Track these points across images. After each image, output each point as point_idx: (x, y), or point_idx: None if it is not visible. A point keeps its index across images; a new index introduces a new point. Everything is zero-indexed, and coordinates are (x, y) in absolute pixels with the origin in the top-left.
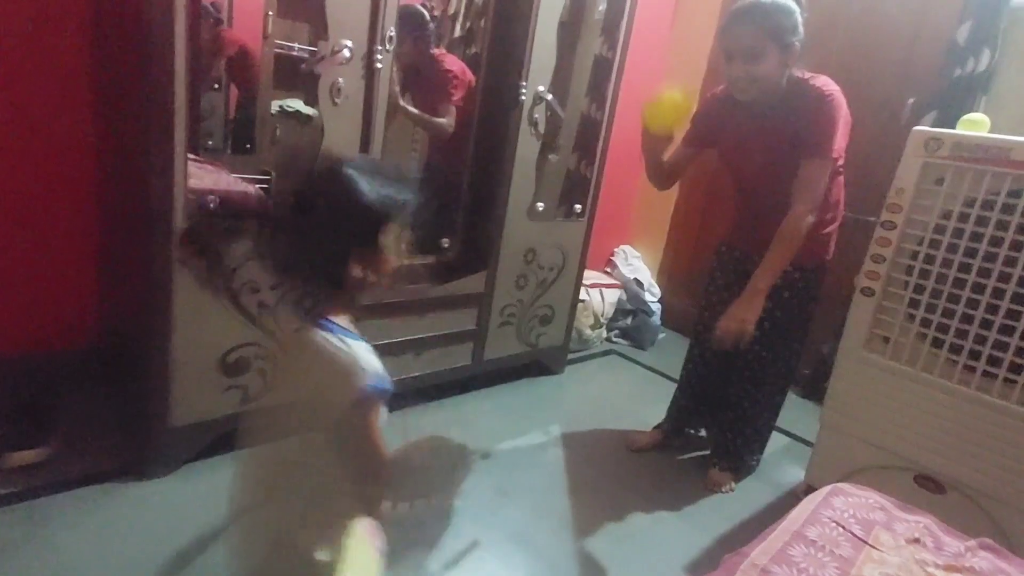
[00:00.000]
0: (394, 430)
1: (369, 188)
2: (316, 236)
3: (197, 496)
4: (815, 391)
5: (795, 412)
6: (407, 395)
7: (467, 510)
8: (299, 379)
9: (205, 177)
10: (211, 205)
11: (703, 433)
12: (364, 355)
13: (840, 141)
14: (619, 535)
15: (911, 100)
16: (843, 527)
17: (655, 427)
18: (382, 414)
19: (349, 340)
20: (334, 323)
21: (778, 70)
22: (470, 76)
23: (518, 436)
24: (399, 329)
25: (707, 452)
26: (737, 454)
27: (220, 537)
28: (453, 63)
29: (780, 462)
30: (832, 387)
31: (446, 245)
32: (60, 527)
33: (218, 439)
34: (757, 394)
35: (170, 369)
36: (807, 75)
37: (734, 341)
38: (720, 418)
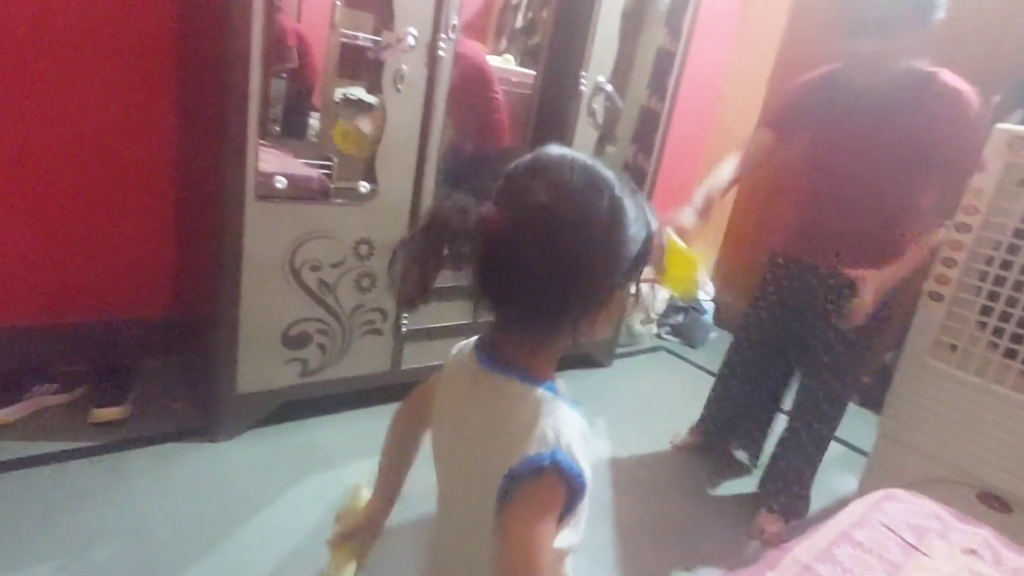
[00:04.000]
0: None
1: (634, 215)
2: (570, 274)
3: (260, 460)
4: (874, 400)
5: (851, 420)
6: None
7: None
8: (483, 428)
9: (273, 161)
10: (279, 186)
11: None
12: (562, 421)
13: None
14: (659, 530)
15: (996, 97)
16: (894, 532)
17: (694, 428)
18: (553, 517)
19: (551, 399)
20: (541, 378)
21: (909, 52)
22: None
23: None
24: (449, 314)
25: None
26: (793, 493)
27: (277, 500)
28: (472, 51)
29: (832, 470)
30: (892, 395)
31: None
32: (137, 480)
33: (279, 408)
34: (819, 427)
35: (237, 340)
36: (930, 68)
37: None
38: (774, 453)
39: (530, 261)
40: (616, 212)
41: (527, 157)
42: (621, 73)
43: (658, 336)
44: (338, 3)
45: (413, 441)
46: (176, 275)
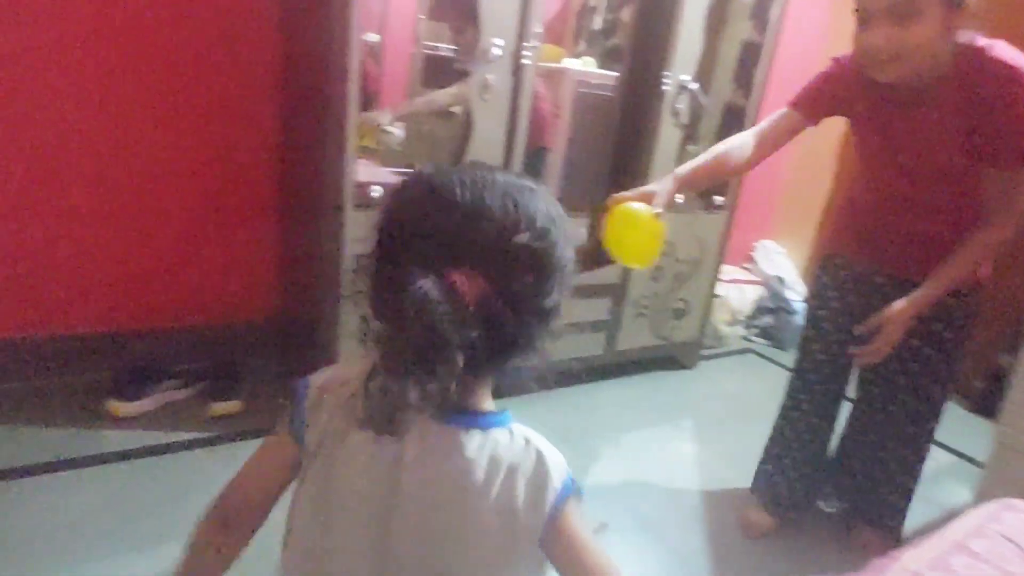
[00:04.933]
0: None
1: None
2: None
3: None
4: (988, 406)
5: (963, 428)
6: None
7: (595, 492)
8: (450, 503)
9: (363, 170)
10: (374, 195)
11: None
12: (543, 445)
13: None
14: (753, 540)
15: None
16: (1015, 543)
17: (765, 508)
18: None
19: (519, 430)
20: (479, 410)
21: (938, 37)
22: None
23: (647, 427)
24: None
25: None
26: (889, 514)
27: None
28: None
29: (944, 481)
30: (1011, 401)
31: (584, 234)
32: None
33: None
34: (906, 454)
35: (337, 340)
36: (981, 42)
37: (878, 350)
38: (855, 481)
39: (532, 301)
40: (556, 211)
41: (451, 209)
42: (704, 69)
43: (745, 339)
44: (421, 16)
45: (232, 556)
46: (279, 281)
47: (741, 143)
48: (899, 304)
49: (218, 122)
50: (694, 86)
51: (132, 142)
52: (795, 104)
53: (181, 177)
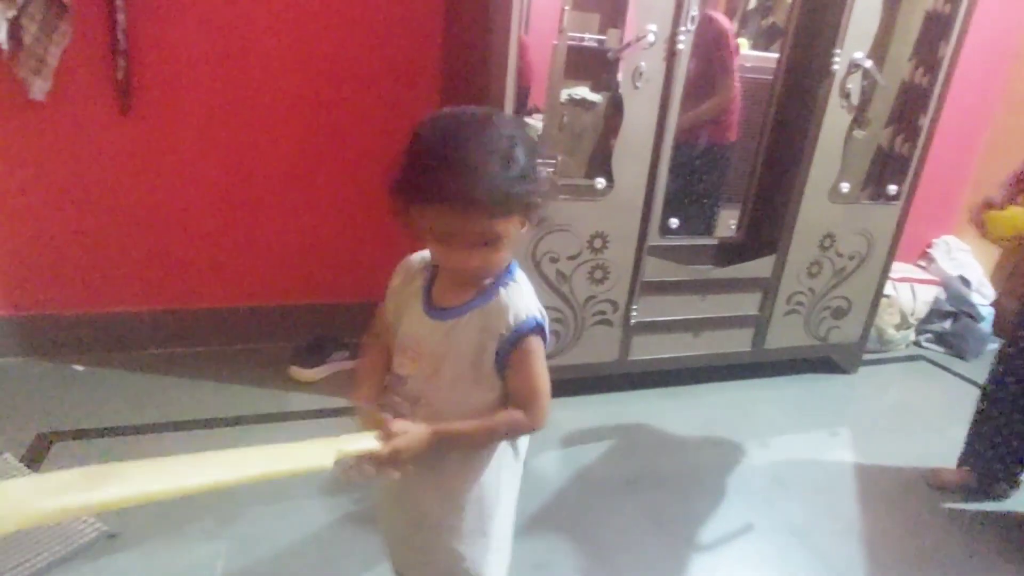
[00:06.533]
0: None
1: None
2: None
3: None
4: None
5: None
6: (683, 374)
7: (739, 493)
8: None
9: None
10: None
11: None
12: (523, 295)
13: None
14: (915, 554)
15: None
16: None
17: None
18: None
19: (508, 289)
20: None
21: None
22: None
23: (799, 431)
24: (678, 308)
25: None
26: None
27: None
28: (724, 20)
29: None
30: None
31: (732, 226)
32: None
33: None
34: None
35: None
36: None
37: None
38: None
39: None
40: None
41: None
42: (878, 45)
43: (917, 344)
44: (566, 8)
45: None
46: None
47: None
48: None
49: (385, 122)
50: (868, 63)
51: (314, 149)
52: None
53: (354, 176)
